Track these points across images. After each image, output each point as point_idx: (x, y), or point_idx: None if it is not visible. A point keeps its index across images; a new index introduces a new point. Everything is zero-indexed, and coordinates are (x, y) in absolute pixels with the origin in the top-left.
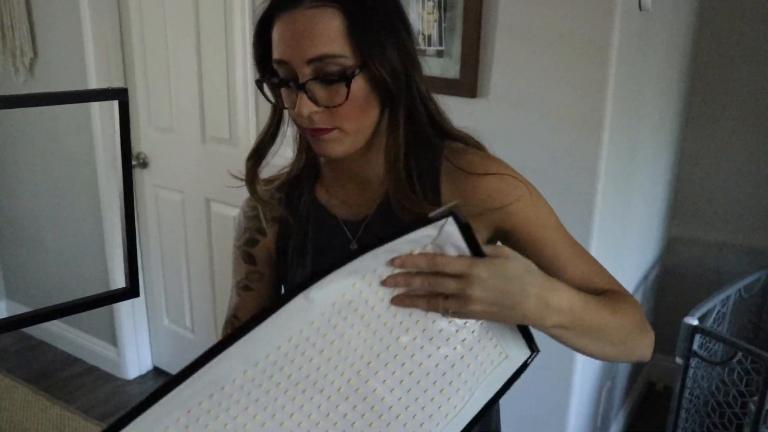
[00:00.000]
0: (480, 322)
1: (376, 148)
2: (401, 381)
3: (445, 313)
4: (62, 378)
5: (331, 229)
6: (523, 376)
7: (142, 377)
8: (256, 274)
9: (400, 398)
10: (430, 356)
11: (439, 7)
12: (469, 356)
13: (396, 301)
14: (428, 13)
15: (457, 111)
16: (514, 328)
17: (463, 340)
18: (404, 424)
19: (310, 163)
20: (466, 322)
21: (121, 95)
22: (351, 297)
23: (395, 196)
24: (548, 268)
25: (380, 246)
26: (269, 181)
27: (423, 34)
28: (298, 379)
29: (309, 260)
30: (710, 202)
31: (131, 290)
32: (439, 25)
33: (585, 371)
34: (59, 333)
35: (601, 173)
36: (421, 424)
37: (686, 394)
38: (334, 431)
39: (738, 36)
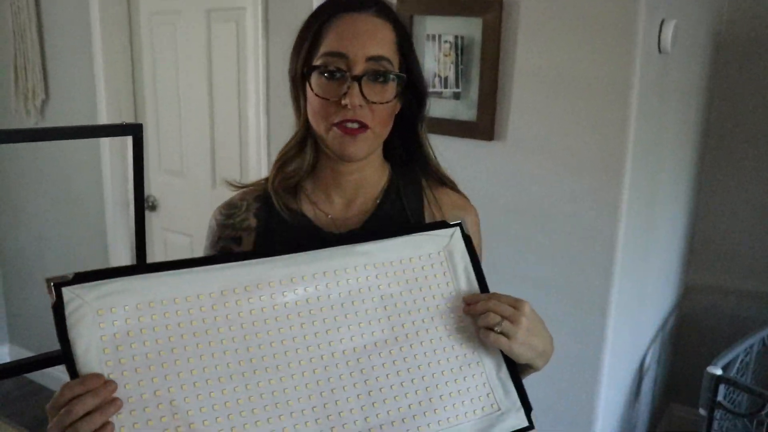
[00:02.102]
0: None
1: (371, 163)
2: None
3: (495, 331)
4: None
5: (316, 242)
6: (544, 429)
7: None
8: None
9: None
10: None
11: (456, 49)
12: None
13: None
14: (445, 55)
15: (473, 154)
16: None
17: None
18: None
19: (297, 174)
20: (479, 362)
21: (136, 131)
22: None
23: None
24: None
25: (408, 234)
26: (244, 190)
27: (439, 76)
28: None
29: None
30: (726, 250)
31: None
32: (456, 67)
33: (605, 424)
34: (63, 378)
35: (622, 217)
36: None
37: None
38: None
39: (753, 84)
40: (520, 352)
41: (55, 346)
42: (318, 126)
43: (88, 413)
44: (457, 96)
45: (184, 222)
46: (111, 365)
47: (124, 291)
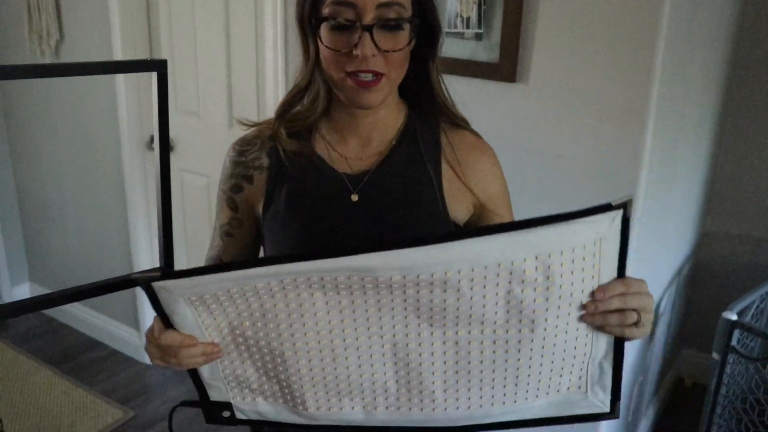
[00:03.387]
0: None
1: (386, 105)
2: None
3: (629, 325)
4: (84, 361)
5: (331, 181)
6: None
7: None
8: (237, 221)
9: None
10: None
11: None
12: (560, 369)
13: (588, 318)
14: None
15: (494, 96)
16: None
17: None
18: (468, 388)
19: (308, 117)
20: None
21: (160, 67)
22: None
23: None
24: None
25: (564, 221)
26: (260, 127)
27: (461, 17)
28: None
29: (307, 207)
30: (745, 197)
31: (168, 273)
32: (479, 8)
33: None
34: (82, 317)
35: (644, 163)
36: (481, 397)
37: (722, 390)
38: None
39: None
40: (642, 336)
41: (74, 283)
42: (331, 75)
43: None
44: (479, 37)
45: (201, 162)
46: (208, 324)
47: (214, 282)
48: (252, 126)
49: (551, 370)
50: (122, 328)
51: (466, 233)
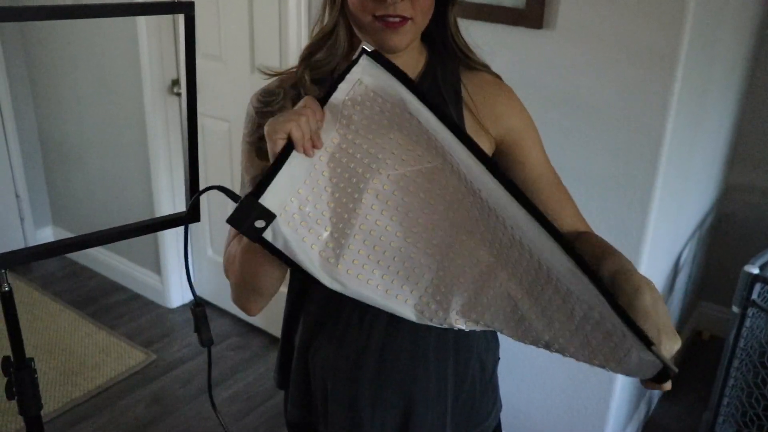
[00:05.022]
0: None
1: (408, 49)
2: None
3: None
4: (107, 304)
5: None
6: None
7: (184, 306)
8: None
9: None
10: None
11: None
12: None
13: None
14: None
15: (521, 42)
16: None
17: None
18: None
19: (330, 62)
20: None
21: (187, 9)
22: None
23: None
24: (545, 203)
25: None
26: (282, 77)
27: None
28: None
29: None
30: None
31: (192, 215)
32: None
33: None
34: (105, 260)
35: (671, 111)
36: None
37: (740, 343)
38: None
39: None
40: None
41: (96, 226)
42: (358, 18)
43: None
44: None
45: (222, 107)
46: (344, 121)
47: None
48: (273, 75)
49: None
50: (144, 272)
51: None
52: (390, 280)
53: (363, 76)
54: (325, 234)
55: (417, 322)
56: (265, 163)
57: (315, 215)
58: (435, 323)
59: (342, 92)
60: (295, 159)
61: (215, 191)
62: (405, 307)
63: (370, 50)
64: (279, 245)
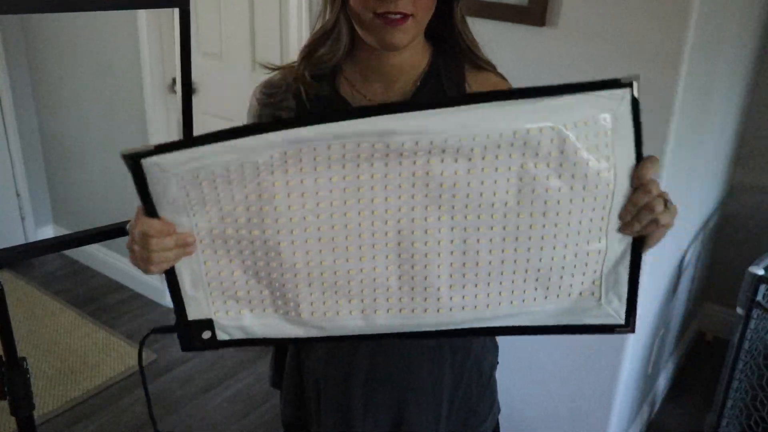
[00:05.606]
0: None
1: (412, 46)
2: (515, 248)
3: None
4: (107, 303)
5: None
6: None
7: None
8: None
9: (494, 252)
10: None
11: None
12: (573, 270)
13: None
14: None
15: (523, 40)
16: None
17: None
18: (475, 284)
19: (331, 59)
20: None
21: (182, 3)
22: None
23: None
24: None
25: (574, 92)
26: (284, 71)
27: None
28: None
29: None
30: None
31: None
32: None
33: (643, 316)
34: (105, 259)
35: (675, 110)
36: (488, 294)
37: (745, 345)
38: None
39: None
40: (662, 237)
41: (96, 225)
42: (359, 15)
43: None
44: None
45: (223, 106)
46: (197, 210)
47: (208, 155)
48: (276, 69)
49: (563, 267)
50: None
51: (483, 96)
52: (359, 300)
53: (159, 171)
54: (267, 293)
55: (418, 327)
56: None
57: (244, 289)
58: (433, 316)
59: (159, 190)
60: (182, 267)
61: None
62: (393, 318)
63: (127, 153)
64: (239, 336)
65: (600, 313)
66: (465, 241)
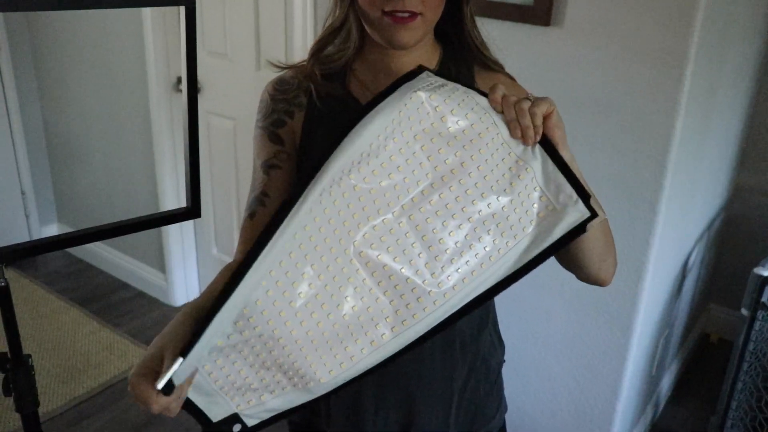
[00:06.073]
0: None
1: (421, 46)
2: (453, 215)
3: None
4: (111, 302)
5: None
6: (587, 318)
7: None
8: (284, 154)
9: (450, 231)
10: (476, 201)
11: None
12: (517, 204)
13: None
14: None
15: (528, 39)
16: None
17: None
18: (450, 260)
19: (341, 57)
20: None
21: (188, 1)
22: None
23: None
24: None
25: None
26: (296, 68)
27: None
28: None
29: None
30: None
31: (193, 210)
32: None
33: (647, 318)
34: (109, 258)
35: (681, 110)
36: (467, 262)
37: (750, 347)
38: (393, 249)
39: None
40: (559, 126)
41: (100, 222)
42: (367, 14)
43: None
44: None
45: (228, 105)
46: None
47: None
48: (284, 68)
49: (503, 208)
50: (149, 270)
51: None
52: (364, 335)
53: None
54: (280, 376)
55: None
56: (278, 147)
57: (257, 381)
58: (434, 311)
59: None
60: (190, 390)
61: None
62: (400, 334)
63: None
64: (269, 416)
65: (566, 219)
66: (417, 229)
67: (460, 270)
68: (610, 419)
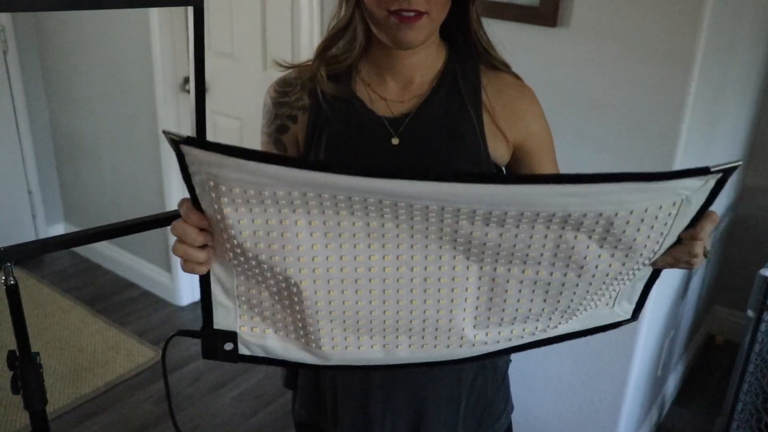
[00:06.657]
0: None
1: (427, 46)
2: (541, 297)
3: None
4: (117, 301)
5: (371, 124)
6: None
7: (194, 304)
8: None
9: (530, 309)
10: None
11: None
12: (592, 293)
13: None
14: None
15: (534, 40)
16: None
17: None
18: (500, 322)
19: (346, 58)
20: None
21: (196, 1)
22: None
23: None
24: None
25: (657, 181)
26: (300, 68)
27: None
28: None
29: (347, 151)
30: None
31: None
32: None
33: (653, 319)
34: (115, 257)
35: (687, 112)
36: (512, 330)
37: (755, 348)
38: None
39: None
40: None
41: (107, 222)
42: (373, 13)
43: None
44: None
45: (234, 105)
46: (223, 218)
47: (232, 167)
48: (290, 67)
49: (592, 301)
50: (154, 270)
51: (517, 179)
52: (381, 336)
53: (200, 167)
54: (290, 320)
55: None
56: (283, 153)
57: (270, 310)
58: (455, 350)
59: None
60: (218, 273)
61: None
62: (414, 352)
63: (180, 138)
64: (259, 354)
65: (611, 316)
66: (492, 289)
67: (502, 333)
68: (616, 420)
